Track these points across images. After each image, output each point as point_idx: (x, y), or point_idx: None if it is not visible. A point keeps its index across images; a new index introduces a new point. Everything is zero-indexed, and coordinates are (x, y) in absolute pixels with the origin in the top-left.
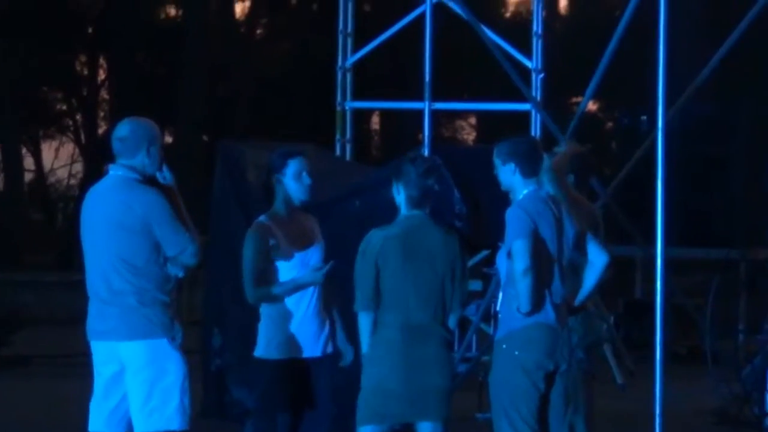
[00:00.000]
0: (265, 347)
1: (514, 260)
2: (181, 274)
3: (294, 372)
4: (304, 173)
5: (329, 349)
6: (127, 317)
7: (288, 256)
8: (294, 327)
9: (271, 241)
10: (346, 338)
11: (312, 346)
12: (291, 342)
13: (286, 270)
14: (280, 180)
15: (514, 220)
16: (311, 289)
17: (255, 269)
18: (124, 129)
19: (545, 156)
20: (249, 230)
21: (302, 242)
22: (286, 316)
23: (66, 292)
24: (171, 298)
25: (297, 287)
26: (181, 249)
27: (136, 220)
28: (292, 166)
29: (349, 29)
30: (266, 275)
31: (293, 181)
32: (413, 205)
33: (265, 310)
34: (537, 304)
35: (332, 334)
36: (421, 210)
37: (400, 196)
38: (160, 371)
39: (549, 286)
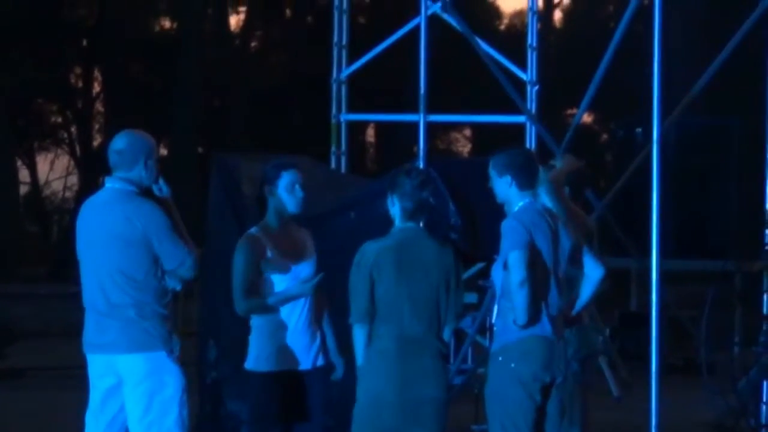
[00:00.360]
0: (255, 360)
1: (510, 272)
2: (178, 287)
3: (285, 384)
4: (297, 186)
5: (320, 362)
6: (126, 330)
7: (278, 269)
8: (284, 339)
9: (269, 254)
10: (337, 351)
11: (303, 359)
12: (281, 354)
13: (277, 282)
14: (272, 192)
15: (509, 231)
16: (302, 301)
17: (245, 281)
18: (121, 142)
19: (541, 168)
20: (239, 241)
21: (293, 255)
22: (277, 329)
23: (61, 305)
24: (168, 310)
25: (286, 299)
26: (180, 262)
27: (136, 233)
28: (285, 178)
29: (344, 42)
30: (256, 287)
31: (286, 193)
32: (408, 217)
33: (255, 322)
34: (533, 317)
35: (323, 347)
36: (415, 222)
37: (394, 208)
38: (159, 384)
39: (545, 298)
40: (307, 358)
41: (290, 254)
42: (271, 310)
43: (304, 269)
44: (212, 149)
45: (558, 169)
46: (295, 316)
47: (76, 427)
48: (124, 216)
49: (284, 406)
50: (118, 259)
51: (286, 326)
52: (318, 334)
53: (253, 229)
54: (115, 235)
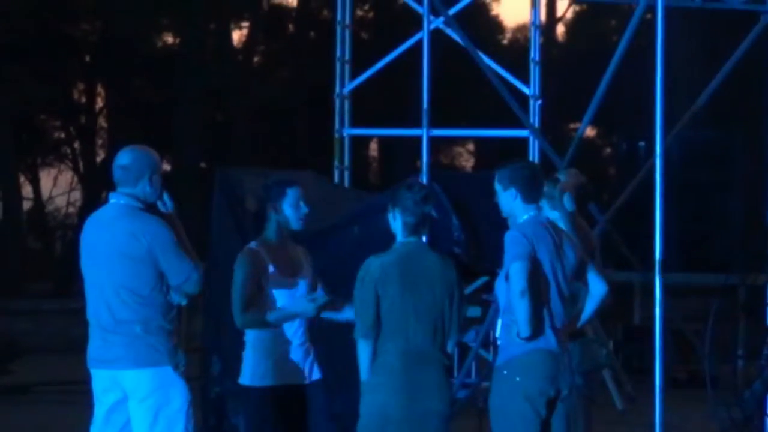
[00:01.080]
0: (251, 375)
1: (510, 282)
2: (183, 302)
3: (282, 399)
4: (302, 202)
5: (315, 376)
6: (132, 346)
7: (277, 284)
8: (279, 354)
9: (271, 269)
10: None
11: (298, 373)
12: (277, 369)
13: (275, 298)
14: (276, 209)
15: (511, 243)
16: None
17: (244, 294)
18: (126, 157)
19: (545, 183)
20: (239, 255)
21: (291, 271)
22: (271, 344)
23: (64, 321)
24: (174, 325)
25: (289, 317)
26: (186, 278)
27: (141, 249)
28: (291, 196)
29: (347, 56)
30: (256, 301)
31: (291, 209)
32: (409, 231)
33: (249, 337)
34: (537, 329)
35: (317, 361)
36: (417, 236)
37: (396, 222)
38: (165, 398)
39: (549, 310)
40: (302, 372)
41: (288, 270)
42: (271, 325)
43: (301, 286)
44: (215, 164)
45: (565, 183)
46: (290, 330)
47: None
48: (129, 232)
49: (282, 421)
50: (123, 275)
51: (281, 341)
52: (312, 349)
53: (252, 244)
54: (119, 251)
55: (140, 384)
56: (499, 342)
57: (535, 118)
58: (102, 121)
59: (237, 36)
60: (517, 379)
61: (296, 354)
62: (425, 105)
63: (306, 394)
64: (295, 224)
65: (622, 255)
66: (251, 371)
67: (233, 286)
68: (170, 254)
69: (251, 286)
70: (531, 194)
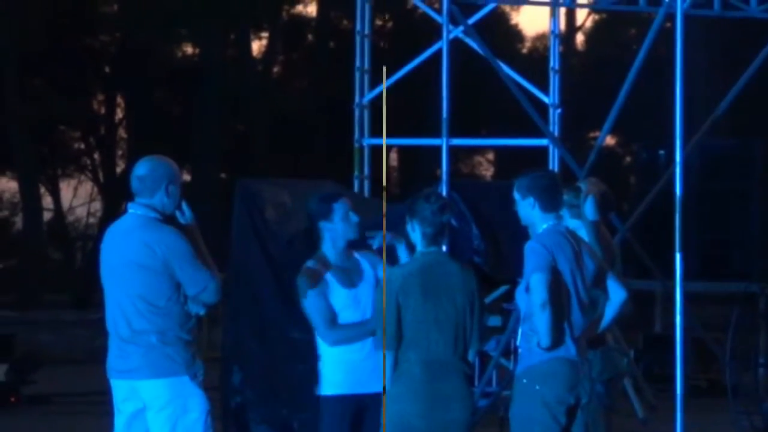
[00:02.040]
0: (325, 384)
1: (531, 294)
2: (202, 312)
3: (357, 407)
4: (351, 213)
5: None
6: (149, 356)
7: (339, 297)
8: (352, 363)
9: (328, 283)
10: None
11: (372, 382)
12: (351, 378)
13: (338, 310)
14: (328, 226)
15: (531, 253)
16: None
17: (324, 310)
18: (143, 168)
19: (565, 191)
20: (299, 276)
21: (352, 281)
22: (344, 353)
23: (84, 331)
24: (192, 335)
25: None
26: (202, 288)
27: (157, 260)
28: (339, 210)
29: (366, 66)
30: (335, 316)
31: (343, 223)
32: (429, 241)
33: (323, 349)
34: (557, 339)
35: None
36: (437, 246)
37: (415, 233)
38: (183, 408)
39: (569, 320)
40: (376, 380)
41: (349, 280)
42: (355, 339)
43: (364, 293)
44: (235, 174)
45: (587, 191)
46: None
47: None
48: (144, 243)
49: (355, 428)
50: (138, 285)
51: (354, 351)
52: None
53: (310, 262)
54: (135, 262)
55: (158, 394)
56: (519, 350)
57: (554, 127)
58: (122, 132)
59: (256, 46)
60: (537, 387)
61: (369, 363)
62: (445, 114)
63: (380, 402)
64: (348, 235)
65: (643, 264)
66: (327, 380)
67: (306, 307)
68: (186, 265)
69: (324, 301)
70: (550, 203)
